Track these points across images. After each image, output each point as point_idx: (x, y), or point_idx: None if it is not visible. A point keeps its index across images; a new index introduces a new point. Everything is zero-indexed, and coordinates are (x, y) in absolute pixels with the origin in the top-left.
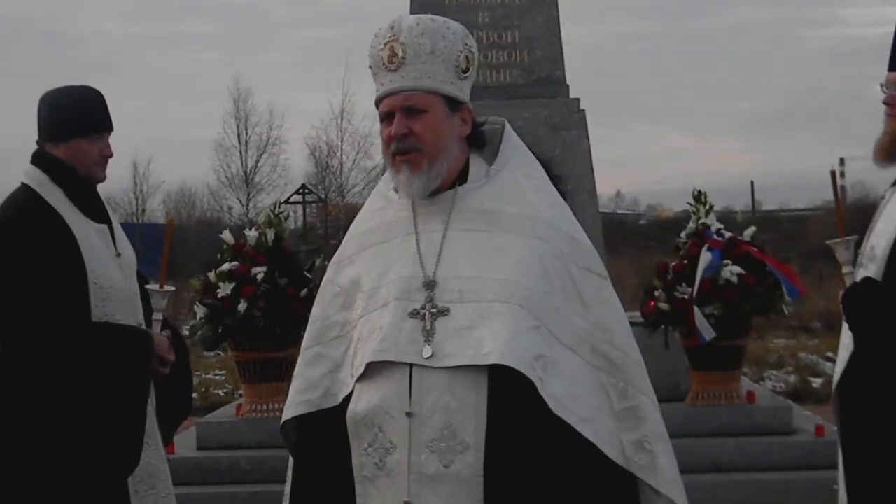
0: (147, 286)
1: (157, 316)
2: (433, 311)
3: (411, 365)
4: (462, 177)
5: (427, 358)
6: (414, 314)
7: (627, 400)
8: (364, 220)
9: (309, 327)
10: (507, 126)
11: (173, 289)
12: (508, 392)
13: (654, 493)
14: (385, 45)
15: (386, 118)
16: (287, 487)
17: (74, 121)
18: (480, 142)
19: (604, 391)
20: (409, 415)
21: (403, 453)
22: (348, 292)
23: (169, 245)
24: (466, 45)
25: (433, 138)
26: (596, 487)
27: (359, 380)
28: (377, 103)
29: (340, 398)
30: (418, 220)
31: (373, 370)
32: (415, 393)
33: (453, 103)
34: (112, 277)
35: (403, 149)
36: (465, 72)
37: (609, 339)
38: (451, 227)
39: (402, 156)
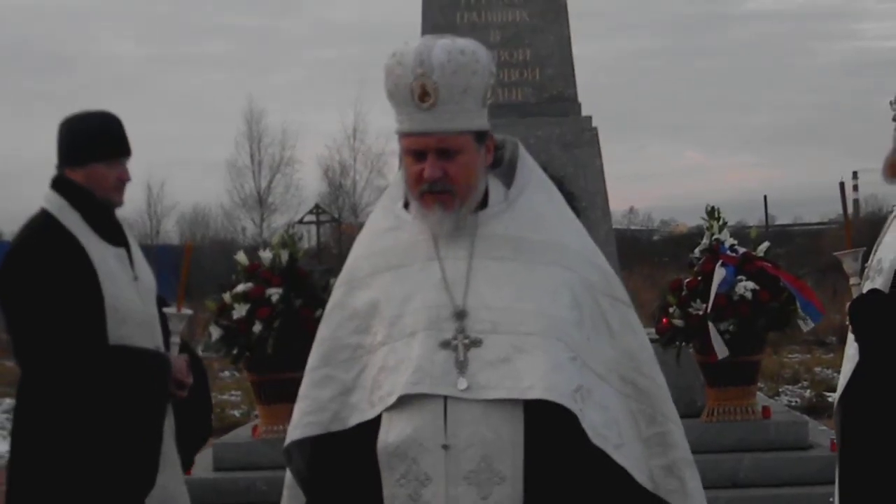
0: (165, 309)
1: (175, 339)
2: (466, 341)
3: (445, 397)
4: (482, 199)
5: (463, 390)
6: (445, 345)
7: (656, 426)
8: (373, 238)
9: (315, 348)
10: (521, 147)
11: (191, 312)
12: (545, 423)
13: None
14: (415, 79)
15: (414, 154)
16: None
17: (92, 146)
18: (495, 161)
19: (633, 418)
20: (445, 447)
21: (440, 486)
22: (363, 316)
23: (187, 268)
24: (492, 72)
25: (466, 179)
26: None
27: (387, 409)
28: (401, 134)
29: (350, 423)
30: (439, 245)
31: (403, 400)
32: (450, 425)
33: (480, 136)
34: (129, 300)
35: (436, 190)
36: (488, 99)
37: (636, 366)
38: (477, 254)
39: (434, 195)
